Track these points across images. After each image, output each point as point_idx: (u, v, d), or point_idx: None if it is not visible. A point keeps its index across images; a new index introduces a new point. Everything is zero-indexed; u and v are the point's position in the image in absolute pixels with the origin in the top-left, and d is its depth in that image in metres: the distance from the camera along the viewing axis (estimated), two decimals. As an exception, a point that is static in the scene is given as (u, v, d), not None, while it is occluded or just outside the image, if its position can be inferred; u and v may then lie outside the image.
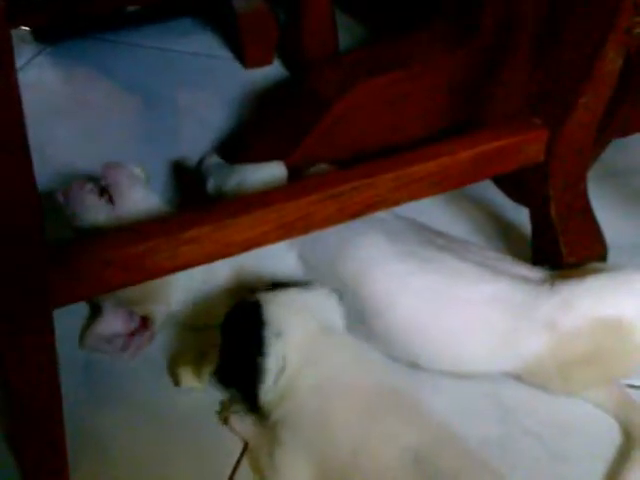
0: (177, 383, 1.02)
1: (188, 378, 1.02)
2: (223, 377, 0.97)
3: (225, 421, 0.98)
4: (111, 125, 1.50)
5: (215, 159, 1.22)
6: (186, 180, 1.34)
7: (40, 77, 1.64)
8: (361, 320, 1.02)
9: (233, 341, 0.94)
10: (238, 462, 0.96)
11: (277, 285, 0.97)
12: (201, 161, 1.22)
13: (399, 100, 1.25)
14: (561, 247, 1.13)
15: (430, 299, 1.01)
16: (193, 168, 1.26)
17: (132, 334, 1.07)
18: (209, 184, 1.17)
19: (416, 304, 1.01)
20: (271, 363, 0.91)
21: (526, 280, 1.02)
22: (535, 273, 1.05)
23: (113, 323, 1.06)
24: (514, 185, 1.20)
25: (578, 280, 0.99)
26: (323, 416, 0.89)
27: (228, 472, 0.95)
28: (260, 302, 0.93)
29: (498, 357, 1.01)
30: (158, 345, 1.09)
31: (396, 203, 1.01)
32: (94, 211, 1.06)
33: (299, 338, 0.92)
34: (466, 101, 1.28)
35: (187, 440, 0.98)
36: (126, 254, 0.86)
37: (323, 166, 1.17)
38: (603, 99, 1.06)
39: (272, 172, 1.13)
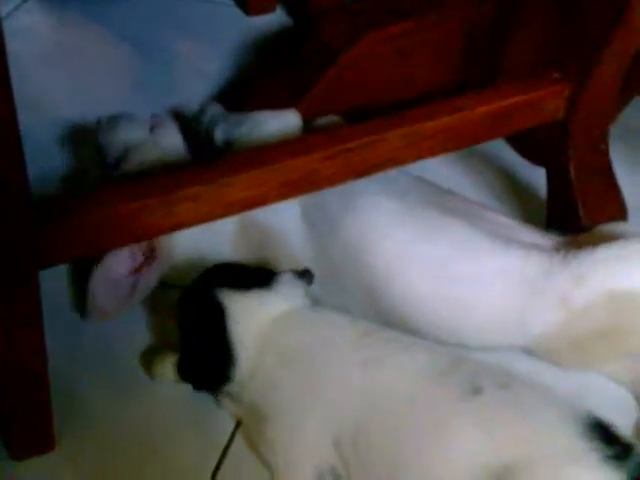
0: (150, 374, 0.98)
1: (157, 369, 0.97)
2: (185, 371, 0.93)
3: (218, 403, 0.95)
4: (104, 74, 1.46)
5: (218, 108, 1.17)
6: (184, 130, 1.28)
7: (30, 23, 1.59)
8: (360, 285, 0.99)
9: (191, 333, 0.91)
10: (233, 434, 0.93)
11: (221, 268, 0.94)
12: (202, 111, 1.17)
13: (411, 51, 1.20)
14: (579, 210, 1.10)
15: (435, 270, 0.98)
16: (191, 118, 1.22)
17: (139, 270, 1.00)
18: (217, 133, 1.11)
19: (420, 275, 0.98)
20: (237, 350, 0.88)
21: (537, 250, 0.98)
22: (547, 240, 1.02)
23: (115, 265, 0.98)
24: (530, 144, 1.16)
25: (589, 251, 0.95)
26: (302, 375, 0.87)
27: (223, 443, 0.92)
28: (215, 291, 0.90)
29: (505, 332, 0.98)
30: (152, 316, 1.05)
31: (405, 162, 0.98)
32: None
33: (258, 320, 0.89)
34: (481, 55, 1.24)
35: (180, 411, 0.95)
36: (118, 212, 0.81)
37: (333, 118, 1.12)
38: (630, 51, 1.02)
39: (286, 121, 1.07)
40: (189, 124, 1.21)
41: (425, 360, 0.86)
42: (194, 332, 0.91)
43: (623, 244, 0.96)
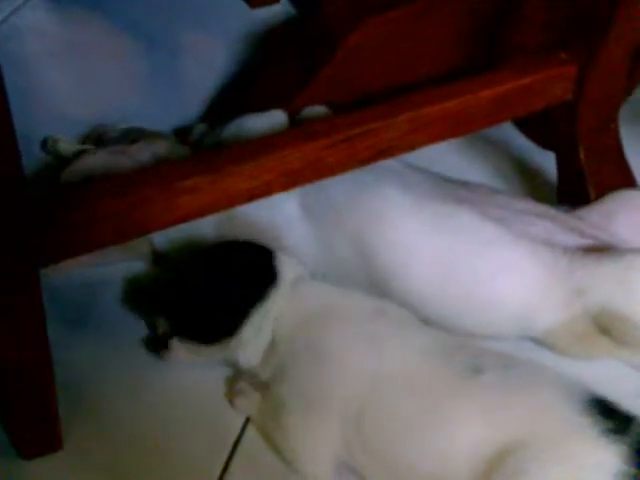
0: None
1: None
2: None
3: (232, 404, 0.93)
4: (109, 68, 1.44)
5: (204, 127, 1.18)
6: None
7: (35, 19, 1.57)
8: (366, 279, 0.99)
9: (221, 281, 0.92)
10: (243, 429, 0.92)
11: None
12: (189, 132, 1.19)
13: (414, 35, 1.18)
14: (590, 192, 1.09)
15: (442, 263, 0.97)
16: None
17: None
18: (206, 141, 1.12)
19: (426, 267, 0.97)
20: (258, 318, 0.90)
21: (545, 248, 0.97)
22: (560, 225, 1.01)
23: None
24: (539, 127, 1.17)
25: (593, 265, 0.95)
26: (313, 351, 0.88)
27: (233, 438, 0.91)
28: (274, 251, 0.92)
29: (511, 326, 0.98)
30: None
31: (412, 147, 0.97)
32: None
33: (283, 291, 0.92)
34: (487, 37, 1.22)
35: (189, 406, 0.94)
36: (117, 206, 0.80)
37: (320, 108, 1.11)
38: (638, 30, 1.01)
39: (272, 120, 1.06)
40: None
41: (430, 340, 0.88)
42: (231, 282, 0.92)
43: (626, 262, 0.95)
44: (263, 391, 0.91)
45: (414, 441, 0.81)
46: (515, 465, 0.76)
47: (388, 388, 0.84)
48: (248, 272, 0.92)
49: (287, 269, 0.93)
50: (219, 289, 0.92)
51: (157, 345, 0.96)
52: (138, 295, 1.02)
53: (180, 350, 0.93)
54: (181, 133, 1.25)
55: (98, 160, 1.06)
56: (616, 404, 0.80)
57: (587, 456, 0.76)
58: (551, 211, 1.04)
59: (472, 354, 0.85)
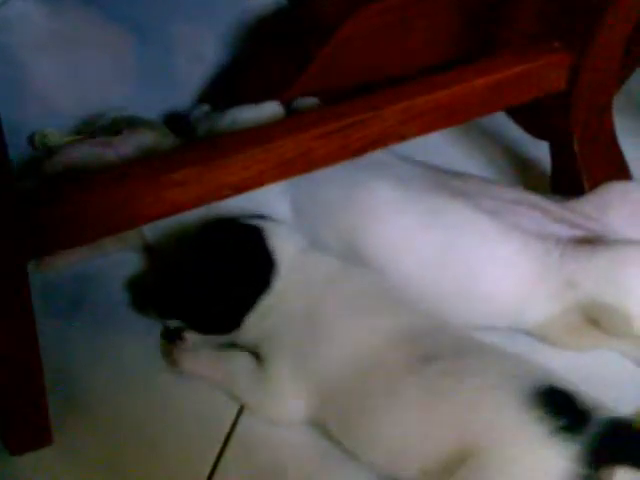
0: None
1: None
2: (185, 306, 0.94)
3: (174, 363, 0.94)
4: (99, 61, 1.42)
5: (204, 109, 1.17)
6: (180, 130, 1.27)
7: (24, 11, 1.56)
8: None
9: (217, 267, 0.91)
10: (235, 421, 0.91)
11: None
12: (189, 112, 1.18)
13: (407, 25, 1.18)
14: (584, 183, 1.09)
15: (434, 257, 0.97)
16: (185, 117, 1.21)
17: None
18: (199, 130, 1.11)
19: (419, 261, 0.97)
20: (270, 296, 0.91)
21: (537, 240, 0.97)
22: (553, 218, 1.01)
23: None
24: (533, 117, 1.15)
25: (585, 258, 0.95)
26: (310, 319, 0.88)
27: (225, 431, 0.90)
28: (263, 228, 0.92)
29: (502, 317, 0.98)
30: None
31: (404, 137, 0.96)
32: None
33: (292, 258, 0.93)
34: (480, 26, 1.21)
35: (181, 399, 0.93)
36: (106, 199, 0.80)
37: (311, 99, 1.10)
38: (631, 18, 1.00)
39: (267, 112, 1.05)
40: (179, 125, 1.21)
41: (403, 323, 0.87)
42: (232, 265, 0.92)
43: (617, 254, 0.95)
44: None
45: (364, 423, 0.82)
46: (463, 473, 0.74)
47: (360, 361, 0.84)
48: (247, 259, 0.92)
49: (282, 245, 0.92)
50: (221, 282, 0.91)
51: (173, 336, 0.96)
52: (146, 297, 1.01)
53: (193, 339, 0.95)
54: (174, 118, 1.24)
55: (79, 152, 1.05)
56: (576, 397, 0.76)
57: (532, 458, 0.73)
58: (544, 202, 1.04)
59: (434, 340, 0.85)
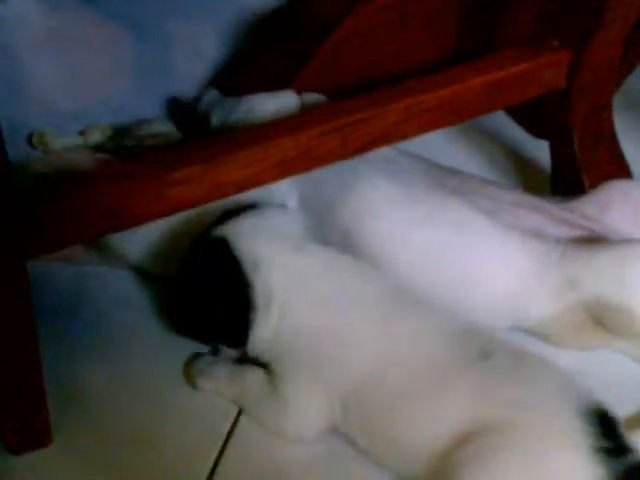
0: None
1: None
2: (193, 328, 0.92)
3: (195, 386, 0.93)
4: (98, 59, 1.43)
5: (215, 94, 1.15)
6: (182, 117, 1.26)
7: (23, 9, 1.55)
8: None
9: (203, 286, 0.88)
10: (235, 421, 0.91)
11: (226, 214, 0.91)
12: (199, 98, 1.16)
13: (406, 22, 1.18)
14: (584, 182, 1.09)
15: (431, 255, 0.97)
16: (189, 104, 1.21)
17: None
18: (213, 119, 1.10)
19: (416, 260, 0.97)
20: (259, 299, 0.86)
21: (536, 241, 0.97)
22: (551, 220, 1.01)
23: None
24: (533, 116, 1.16)
25: (586, 256, 0.95)
26: (328, 333, 0.86)
27: (226, 431, 0.90)
28: (224, 236, 0.87)
29: (502, 318, 0.97)
30: (147, 300, 1.03)
31: (405, 136, 0.96)
32: None
33: (277, 264, 0.88)
34: (479, 25, 1.22)
35: (181, 398, 0.93)
36: (107, 197, 0.79)
37: (317, 96, 1.10)
38: (630, 16, 1.01)
39: (283, 101, 1.05)
40: (186, 111, 1.20)
41: (443, 324, 0.86)
42: (209, 283, 0.89)
43: (620, 253, 0.95)
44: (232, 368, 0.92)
45: (406, 417, 0.81)
46: (477, 447, 0.75)
47: (390, 365, 0.83)
48: (218, 277, 0.88)
49: (257, 250, 0.88)
50: (208, 304, 0.89)
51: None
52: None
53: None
54: (178, 107, 1.23)
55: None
56: (620, 426, 0.77)
57: (561, 462, 0.73)
58: (542, 203, 1.04)
59: (483, 340, 0.84)
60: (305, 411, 0.86)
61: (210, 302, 0.88)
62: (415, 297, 0.90)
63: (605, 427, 0.75)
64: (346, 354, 0.85)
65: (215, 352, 0.95)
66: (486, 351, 0.82)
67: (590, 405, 0.77)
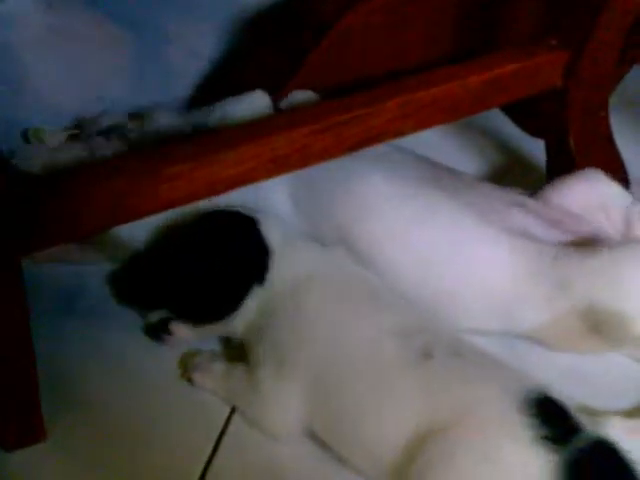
0: None
1: None
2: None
3: (190, 381, 0.94)
4: (95, 57, 1.42)
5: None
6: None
7: (20, 7, 1.55)
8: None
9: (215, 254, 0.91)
10: (228, 419, 0.91)
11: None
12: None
13: (405, 22, 1.18)
14: None
15: (423, 255, 0.97)
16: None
17: None
18: (186, 129, 1.09)
19: (409, 259, 0.97)
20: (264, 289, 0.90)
21: (528, 242, 0.97)
22: (543, 221, 1.00)
23: None
24: (529, 115, 1.16)
25: (579, 259, 0.94)
26: (300, 317, 0.88)
27: (218, 429, 0.90)
28: (258, 219, 0.92)
29: (493, 322, 0.97)
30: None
31: (401, 133, 0.96)
32: None
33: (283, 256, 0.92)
34: (477, 24, 1.21)
35: (174, 396, 0.93)
36: (100, 194, 0.79)
37: (307, 93, 1.10)
38: (628, 16, 1.00)
39: (255, 102, 1.05)
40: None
41: (394, 322, 0.86)
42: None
43: (612, 256, 0.94)
44: (227, 361, 0.93)
45: (354, 417, 0.82)
46: (431, 451, 0.75)
47: (346, 358, 0.84)
48: (240, 246, 0.92)
49: (275, 236, 0.92)
50: (215, 268, 0.91)
51: (157, 330, 0.96)
52: (126, 288, 1.01)
53: (181, 331, 0.94)
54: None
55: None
56: (569, 412, 0.76)
57: (510, 457, 0.73)
58: (537, 205, 1.03)
59: (427, 338, 0.84)
60: (274, 396, 0.87)
61: (219, 267, 0.91)
62: (376, 293, 0.91)
63: (552, 414, 0.75)
64: (300, 343, 0.86)
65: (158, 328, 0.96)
66: (429, 350, 0.82)
67: (535, 395, 0.77)
